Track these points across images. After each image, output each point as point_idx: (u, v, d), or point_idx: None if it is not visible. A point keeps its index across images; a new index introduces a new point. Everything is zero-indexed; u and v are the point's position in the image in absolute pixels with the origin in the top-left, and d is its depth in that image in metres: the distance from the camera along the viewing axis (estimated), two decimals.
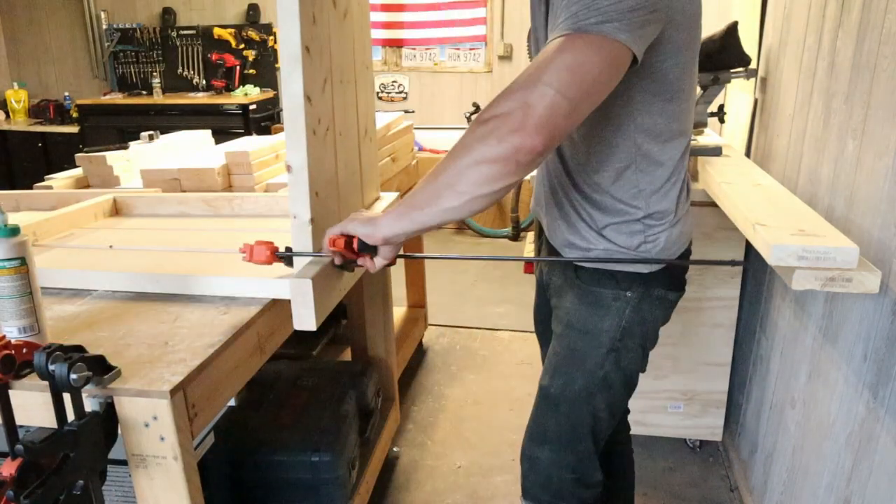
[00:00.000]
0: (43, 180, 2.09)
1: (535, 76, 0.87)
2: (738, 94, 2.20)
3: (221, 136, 2.81)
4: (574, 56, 0.87)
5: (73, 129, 4.88)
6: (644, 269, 1.13)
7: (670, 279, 1.17)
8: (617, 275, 1.14)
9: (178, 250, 1.44)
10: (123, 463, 0.94)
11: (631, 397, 1.25)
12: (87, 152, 2.14)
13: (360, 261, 1.07)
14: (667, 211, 1.12)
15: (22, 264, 0.93)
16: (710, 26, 2.97)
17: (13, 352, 0.87)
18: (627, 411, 1.49)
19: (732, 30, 1.80)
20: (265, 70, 5.03)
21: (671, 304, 1.20)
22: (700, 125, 2.02)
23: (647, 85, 1.03)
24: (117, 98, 5.03)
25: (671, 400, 2.09)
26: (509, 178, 0.90)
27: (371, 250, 1.04)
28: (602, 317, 1.14)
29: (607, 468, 1.30)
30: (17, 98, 5.22)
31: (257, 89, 4.95)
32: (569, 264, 1.19)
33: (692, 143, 2.00)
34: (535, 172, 1.30)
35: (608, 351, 1.15)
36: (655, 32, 0.95)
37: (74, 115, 4.98)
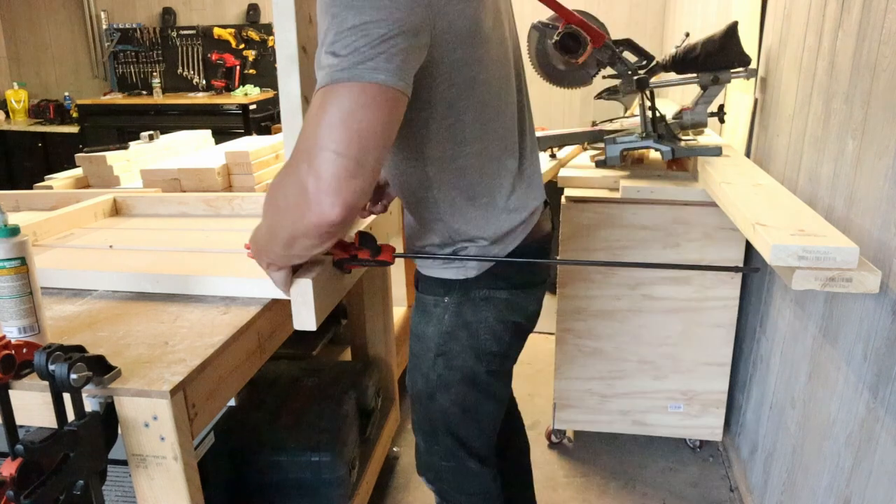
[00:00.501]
0: (43, 180, 2.09)
1: (311, 140, 0.81)
2: (738, 94, 2.20)
3: (221, 136, 2.81)
4: (339, 110, 0.79)
5: (73, 129, 4.88)
6: (460, 274, 1.12)
7: (495, 279, 1.13)
8: (435, 281, 1.14)
9: (178, 250, 1.44)
10: (123, 463, 0.94)
11: (495, 392, 1.25)
12: (87, 152, 2.15)
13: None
14: (476, 236, 1.09)
15: (22, 264, 0.93)
16: (710, 26, 2.96)
17: (13, 352, 0.88)
18: (515, 405, 1.52)
19: (732, 30, 1.80)
20: (265, 70, 5.03)
21: (507, 302, 1.15)
22: (700, 125, 2.02)
23: (423, 114, 0.98)
24: (117, 98, 5.03)
25: (671, 400, 2.09)
26: (327, 243, 0.91)
27: (372, 244, 1.05)
28: (427, 323, 1.17)
29: (500, 466, 1.35)
30: (17, 98, 5.22)
31: (257, 89, 4.94)
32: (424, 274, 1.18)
33: (692, 143, 2.00)
34: None
35: (436, 355, 1.17)
36: (421, 58, 0.88)
37: (74, 115, 4.98)
